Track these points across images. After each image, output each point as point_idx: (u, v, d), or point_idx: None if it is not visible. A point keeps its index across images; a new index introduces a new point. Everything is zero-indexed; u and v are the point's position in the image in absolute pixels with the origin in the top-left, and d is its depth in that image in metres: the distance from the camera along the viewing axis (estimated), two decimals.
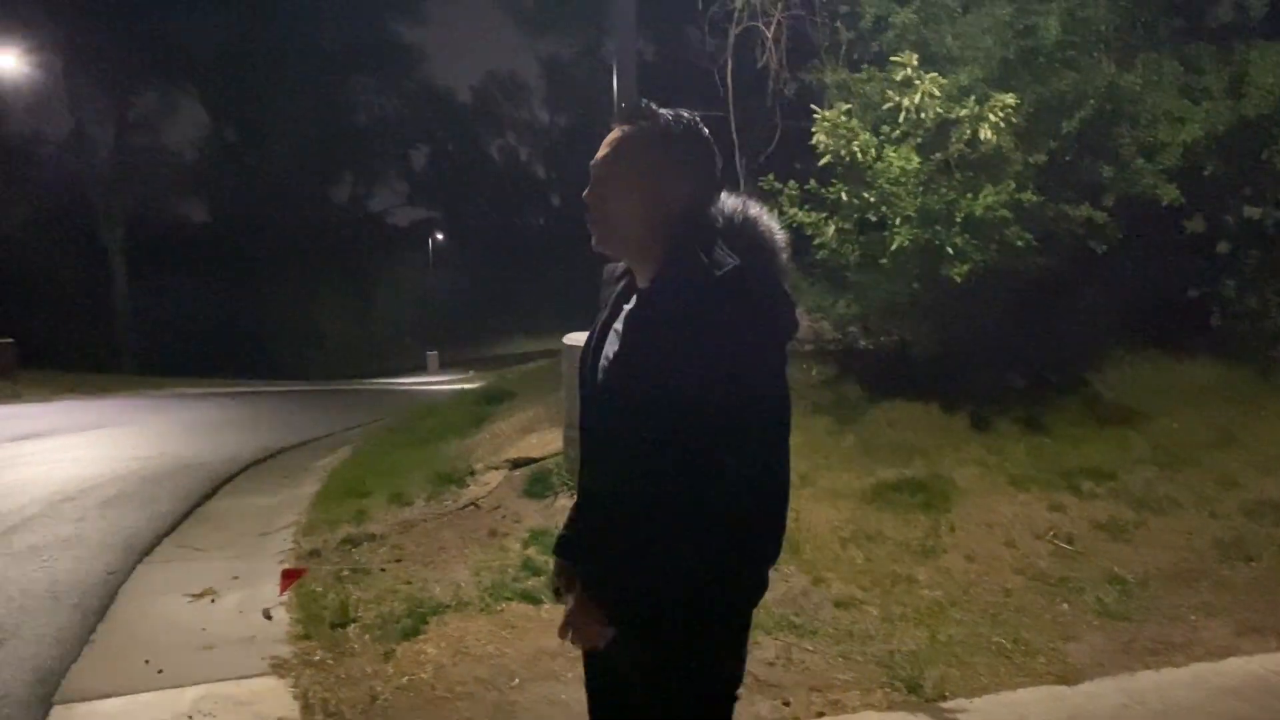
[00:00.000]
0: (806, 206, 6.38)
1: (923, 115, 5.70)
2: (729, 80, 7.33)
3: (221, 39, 35.04)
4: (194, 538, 5.76)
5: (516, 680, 3.53)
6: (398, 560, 4.82)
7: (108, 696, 3.59)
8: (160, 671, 3.78)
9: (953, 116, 5.71)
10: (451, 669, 3.66)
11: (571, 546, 1.82)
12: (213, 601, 4.62)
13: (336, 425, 11.65)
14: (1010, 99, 5.58)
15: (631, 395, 1.54)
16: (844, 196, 5.92)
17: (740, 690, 1.67)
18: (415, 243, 47.65)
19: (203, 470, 7.70)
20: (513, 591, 4.20)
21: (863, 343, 7.14)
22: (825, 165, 6.23)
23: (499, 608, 4.10)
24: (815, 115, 6.03)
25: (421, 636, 3.92)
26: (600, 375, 1.66)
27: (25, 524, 5.96)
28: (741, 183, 7.25)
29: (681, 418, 1.45)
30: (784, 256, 1.66)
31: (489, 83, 53.17)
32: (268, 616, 4.32)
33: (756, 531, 1.51)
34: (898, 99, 5.76)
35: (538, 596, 4.16)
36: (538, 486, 5.26)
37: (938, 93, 5.59)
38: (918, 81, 5.64)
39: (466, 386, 22.49)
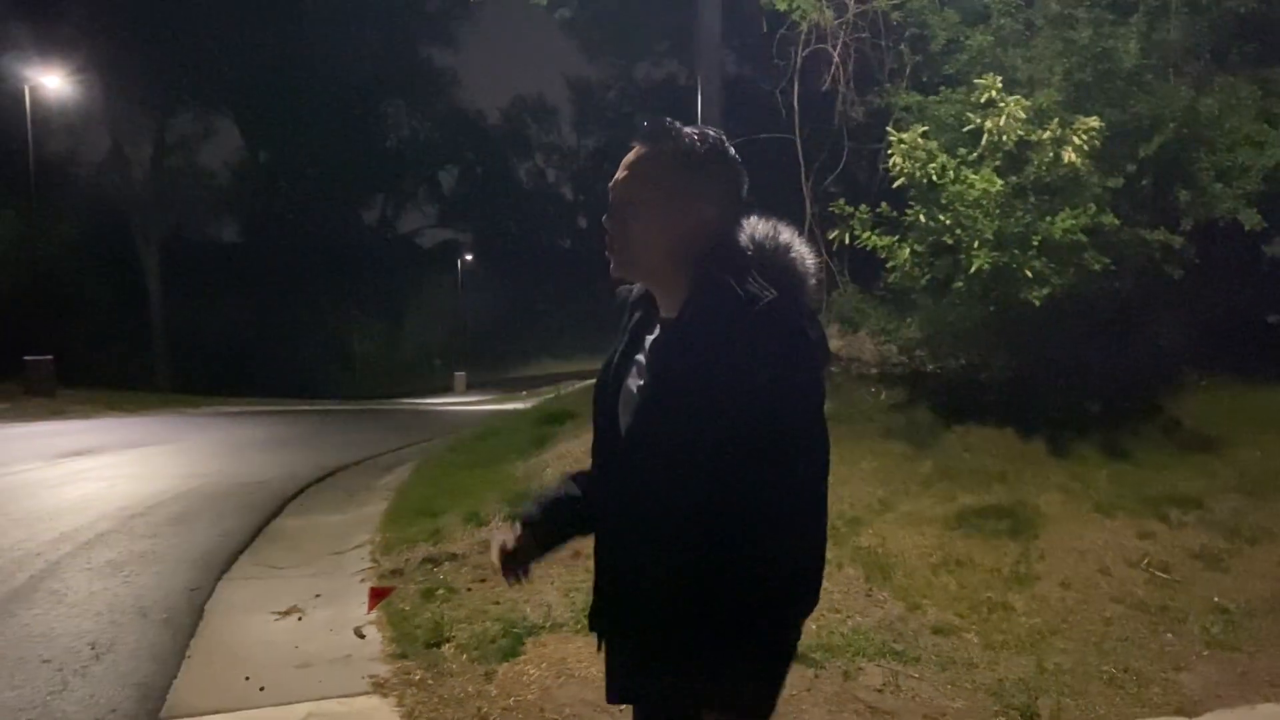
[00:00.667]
0: (878, 230, 6.36)
1: (1004, 138, 5.67)
2: (795, 103, 7.34)
3: (256, 62, 35.64)
4: (269, 555, 5.76)
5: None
6: (481, 580, 4.80)
7: (215, 713, 3.57)
8: (262, 689, 3.77)
9: (1034, 139, 5.68)
10: (556, 690, 3.61)
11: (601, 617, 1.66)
12: (299, 619, 4.61)
13: (385, 445, 11.67)
14: (1094, 122, 5.55)
15: (665, 435, 1.44)
16: (922, 219, 5.88)
17: None
18: (444, 264, 47.95)
19: (265, 489, 7.72)
20: None
21: (930, 366, 7.08)
22: (898, 188, 6.21)
23: None
24: (890, 138, 6.01)
25: (521, 657, 3.88)
26: (625, 410, 1.56)
27: (100, 539, 5.99)
28: (808, 206, 7.25)
29: (719, 456, 1.37)
30: (813, 283, 1.56)
31: (517, 105, 53.76)
32: (360, 635, 4.30)
33: (799, 585, 1.40)
34: (979, 121, 5.73)
35: None
36: None
37: (1022, 115, 5.56)
38: (1001, 104, 5.62)
39: (498, 407, 22.59)
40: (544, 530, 1.79)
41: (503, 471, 6.80)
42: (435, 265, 48.07)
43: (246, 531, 6.34)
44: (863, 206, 6.34)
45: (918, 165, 5.98)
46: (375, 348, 44.09)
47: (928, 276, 6.38)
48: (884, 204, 6.32)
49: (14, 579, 5.06)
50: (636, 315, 1.63)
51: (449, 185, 52.05)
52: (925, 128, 6.01)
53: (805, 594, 1.42)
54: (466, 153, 51.37)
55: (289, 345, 38.93)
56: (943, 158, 5.94)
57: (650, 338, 1.57)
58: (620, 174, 1.55)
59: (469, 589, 4.70)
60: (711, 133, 1.56)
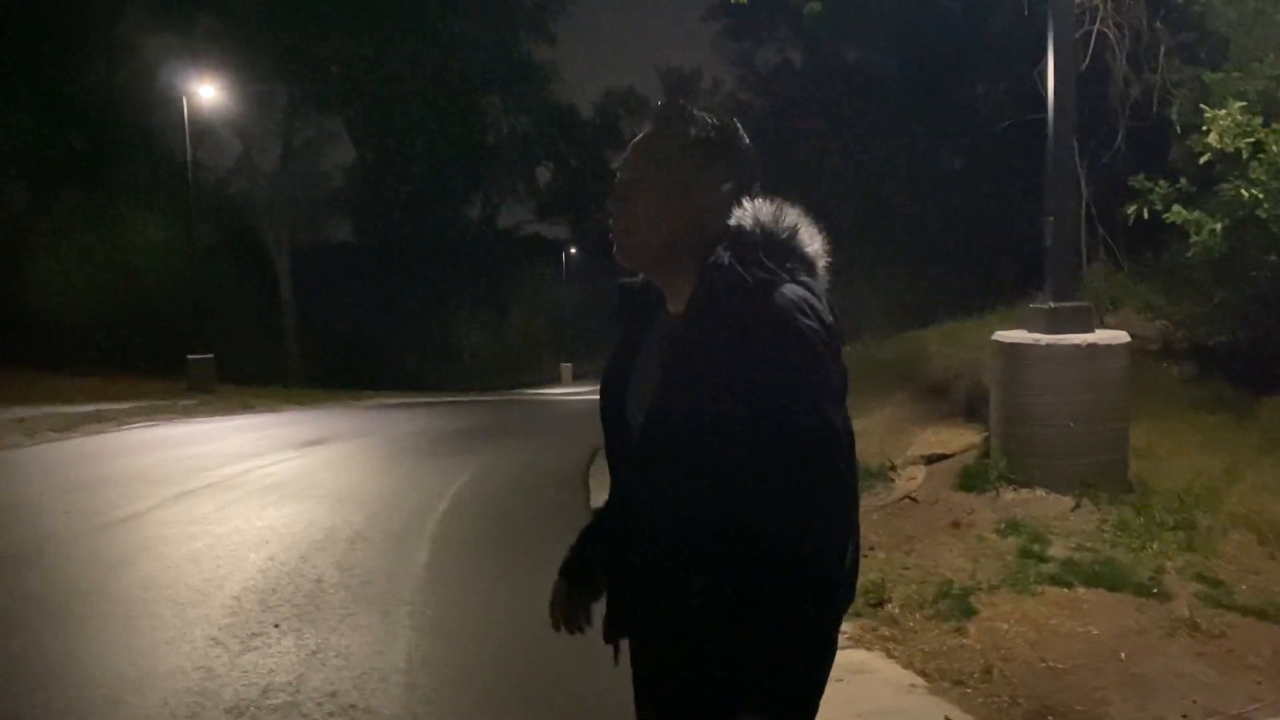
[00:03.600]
0: (1176, 206, 6.45)
1: None
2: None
3: (361, 64, 36.67)
4: None
5: (1123, 654, 3.72)
6: (870, 549, 5.06)
7: None
8: None
9: None
10: (1043, 644, 3.86)
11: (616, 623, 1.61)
12: None
13: (584, 432, 12.09)
14: None
15: (679, 430, 1.39)
16: (1244, 193, 5.97)
17: None
18: (545, 257, 48.74)
19: (557, 469, 8.18)
20: (1040, 575, 4.39)
21: (1214, 340, 7.14)
22: (1206, 163, 6.29)
23: (1038, 590, 4.29)
24: (1206, 114, 6.10)
25: (981, 615, 4.13)
26: (636, 408, 1.50)
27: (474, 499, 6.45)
28: (1082, 185, 7.36)
29: (733, 448, 1.33)
30: (822, 265, 1.50)
31: (609, 99, 54.16)
32: None
33: (825, 579, 1.34)
34: None
35: (1068, 580, 4.35)
36: (973, 481, 5.45)
37: None
38: None
39: None
40: (580, 573, 1.72)
41: None
42: (537, 258, 48.90)
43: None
44: (1162, 182, 6.44)
45: (1229, 140, 6.05)
46: (481, 340, 45.09)
47: (1223, 248, 6.44)
48: (1183, 180, 6.40)
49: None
50: (638, 310, 1.58)
51: (545, 179, 52.75)
52: (1242, 103, 6.08)
53: (831, 588, 1.35)
54: (561, 146, 52.09)
55: (399, 340, 40.09)
56: (1261, 132, 6.00)
57: (657, 332, 1.53)
58: (628, 155, 1.52)
59: (867, 554, 4.97)
60: (725, 119, 1.52)
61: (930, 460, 5.85)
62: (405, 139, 40.53)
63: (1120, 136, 7.58)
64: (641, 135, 1.52)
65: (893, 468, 5.83)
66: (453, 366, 42.95)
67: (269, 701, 3.64)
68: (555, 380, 42.36)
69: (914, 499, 5.45)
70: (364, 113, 39.51)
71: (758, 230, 1.44)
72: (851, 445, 1.41)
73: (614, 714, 2.02)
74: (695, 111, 1.51)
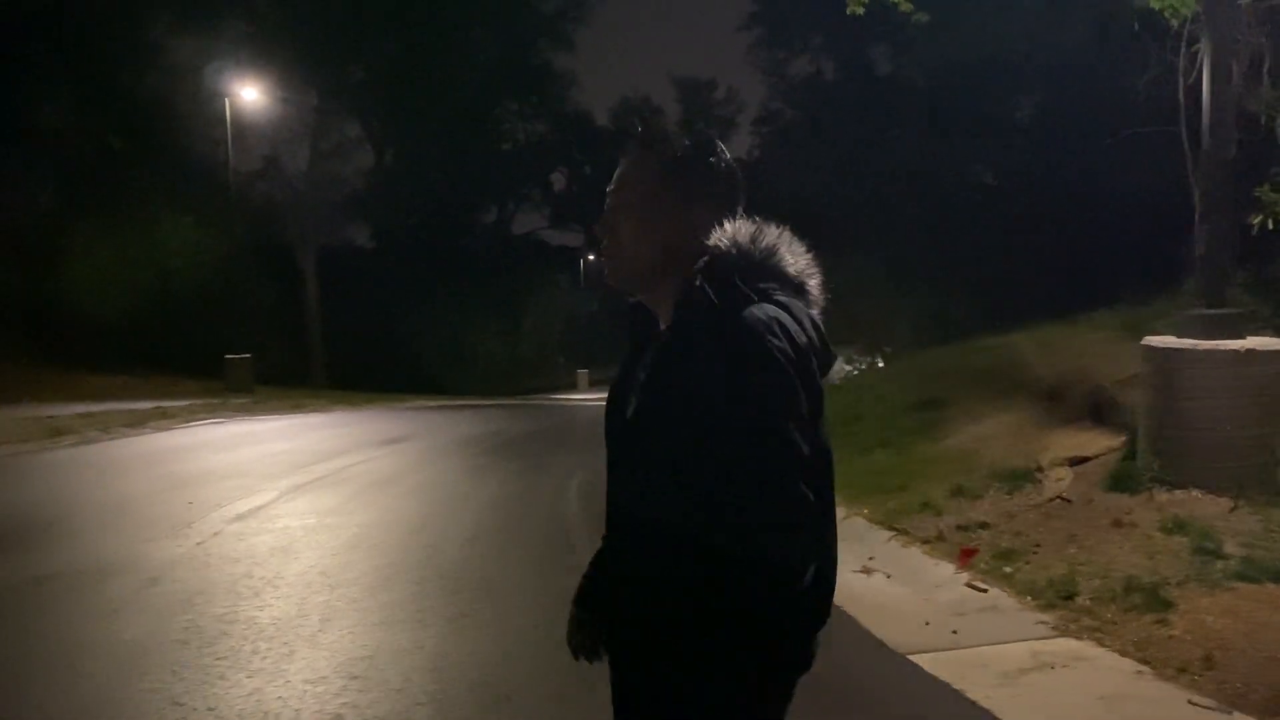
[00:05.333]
0: None
1: None
2: (1180, 96, 7.62)
3: (380, 69, 36.96)
4: None
5: None
6: (1036, 546, 5.19)
7: (936, 650, 4.04)
8: (955, 632, 4.23)
9: None
10: (1255, 636, 3.97)
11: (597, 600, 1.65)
12: (887, 577, 5.08)
13: None
14: None
15: (651, 450, 1.41)
16: None
17: None
18: (560, 264, 48.96)
19: None
20: (1227, 572, 4.52)
21: None
22: None
23: (1229, 585, 4.41)
24: None
25: (1180, 609, 4.25)
26: (624, 425, 1.50)
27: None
28: (1196, 199, 7.50)
29: (702, 466, 1.32)
30: (814, 284, 1.49)
31: (624, 107, 54.48)
32: (979, 589, 4.74)
33: (791, 598, 1.32)
34: None
35: (1255, 576, 4.47)
36: (1125, 482, 5.58)
37: None
38: None
39: None
40: (595, 600, 1.70)
41: (917, 452, 7.25)
42: (552, 265, 49.10)
43: None
44: None
45: None
46: (496, 346, 45.20)
47: None
48: None
49: None
50: (644, 325, 1.57)
51: (559, 186, 53.04)
52: None
53: (799, 607, 1.35)
54: (575, 154, 52.41)
55: (415, 344, 40.20)
56: None
57: (650, 348, 1.52)
58: (612, 183, 1.52)
59: (1035, 550, 5.10)
60: (704, 137, 1.52)
61: (1074, 463, 5.98)
62: (423, 145, 40.76)
63: (1233, 149, 7.74)
64: (623, 162, 1.53)
65: (1039, 469, 5.96)
66: (467, 371, 43.05)
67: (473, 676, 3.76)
68: (572, 386, 42.49)
69: (1066, 499, 5.58)
70: (383, 118, 39.76)
71: (734, 250, 1.43)
72: (828, 465, 1.42)
73: None
74: (672, 132, 1.52)
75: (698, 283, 1.39)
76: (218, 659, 4.05)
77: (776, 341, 1.32)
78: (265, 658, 4.03)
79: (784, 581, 1.30)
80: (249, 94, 23.29)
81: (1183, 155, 7.65)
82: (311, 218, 32.95)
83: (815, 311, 1.47)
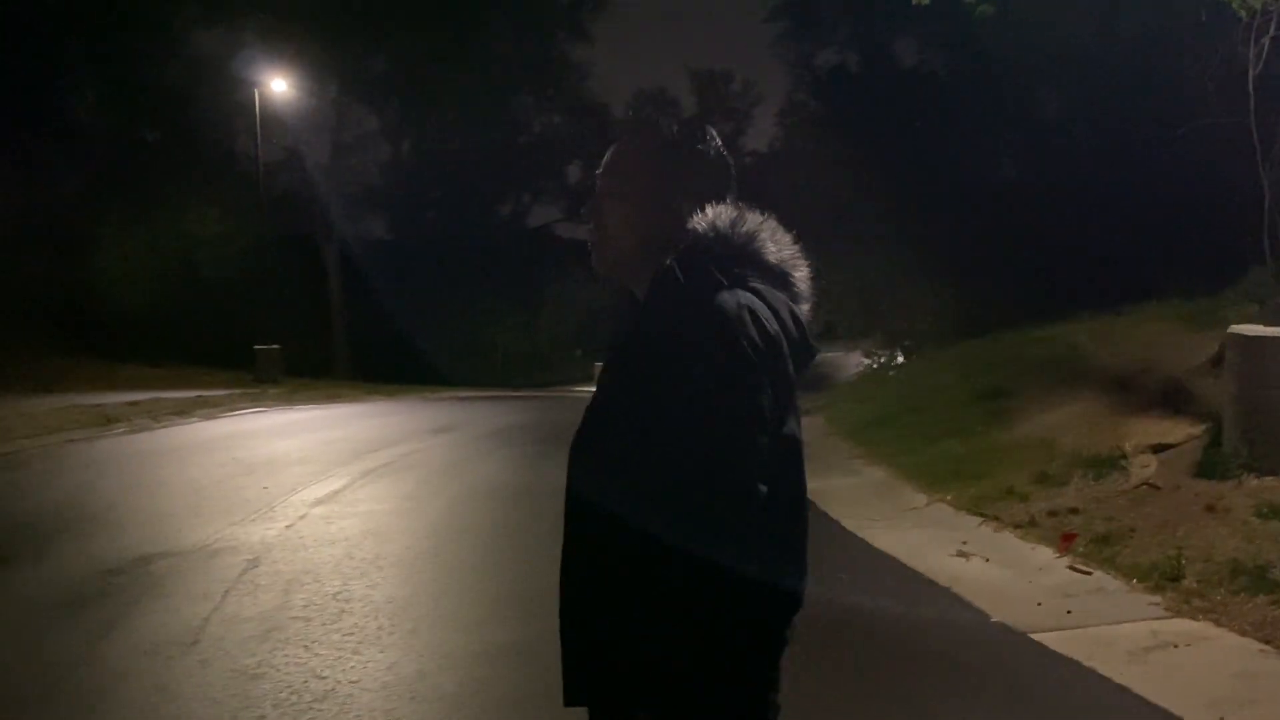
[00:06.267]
0: None
1: None
2: (1250, 88, 7.64)
3: (398, 61, 37.02)
4: (845, 511, 6.32)
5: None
6: (1132, 530, 5.23)
7: (1058, 630, 4.09)
8: (1069, 613, 4.28)
9: None
10: None
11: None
12: (986, 561, 5.13)
13: None
14: None
15: (605, 431, 1.40)
16: None
17: None
18: (576, 256, 48.96)
19: None
20: None
21: None
22: None
23: None
24: None
25: None
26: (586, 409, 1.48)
27: None
28: (1265, 188, 7.55)
29: (659, 454, 1.27)
30: (799, 276, 1.44)
31: (639, 99, 54.45)
32: (1083, 571, 4.79)
33: (747, 583, 1.27)
34: None
35: None
36: (1213, 469, 5.62)
37: None
38: None
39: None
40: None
41: (989, 441, 7.32)
42: (567, 257, 49.14)
43: None
44: None
45: None
46: (514, 338, 45.32)
47: None
48: None
49: None
50: (629, 317, 1.53)
51: (574, 178, 53.05)
52: None
53: (759, 594, 1.30)
54: (590, 146, 52.43)
55: (433, 336, 40.33)
56: None
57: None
58: (600, 169, 1.51)
59: (1131, 535, 5.14)
60: (693, 125, 1.50)
61: (1156, 450, 6.02)
62: (440, 137, 40.84)
63: None
64: (613, 146, 1.51)
65: (1123, 456, 6.01)
66: (483, 364, 43.18)
67: None
68: (589, 379, 42.58)
69: (1154, 485, 5.62)
70: (400, 110, 39.84)
71: (711, 234, 1.39)
72: (797, 454, 1.38)
73: None
74: (660, 119, 1.57)
75: (668, 262, 1.36)
76: (345, 635, 4.13)
77: (746, 330, 1.27)
78: (392, 634, 4.10)
79: (743, 564, 1.24)
80: (278, 85, 23.24)
81: (1249, 148, 7.71)
82: (334, 210, 33.06)
83: (804, 306, 1.43)
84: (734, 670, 1.30)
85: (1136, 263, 14.82)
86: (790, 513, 1.38)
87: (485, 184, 45.87)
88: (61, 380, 17.18)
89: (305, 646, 3.98)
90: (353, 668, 3.74)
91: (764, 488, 1.26)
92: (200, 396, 14.78)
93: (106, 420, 11.50)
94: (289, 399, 16.15)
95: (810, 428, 10.53)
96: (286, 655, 3.89)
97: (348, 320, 34.47)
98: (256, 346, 22.03)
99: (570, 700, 1.42)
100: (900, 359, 22.54)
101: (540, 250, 48.39)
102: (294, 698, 3.46)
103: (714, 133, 1.49)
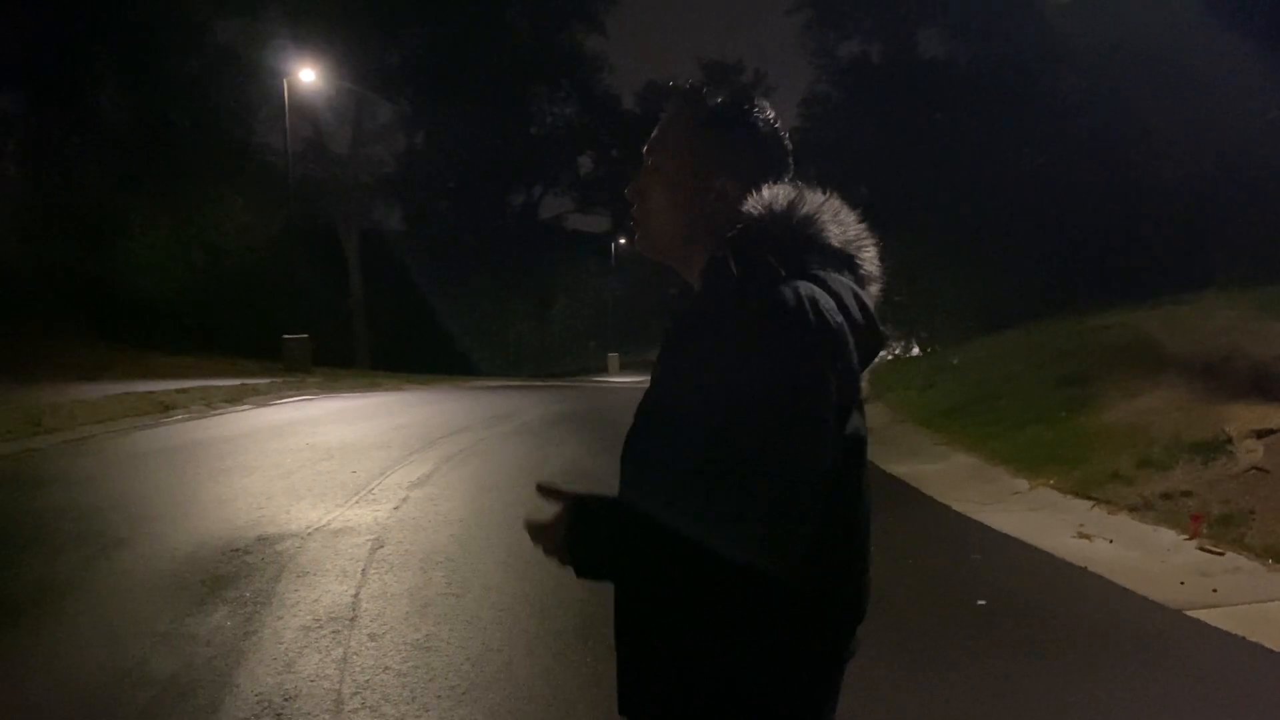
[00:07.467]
0: None
1: None
2: None
3: (413, 52, 37.04)
4: (951, 495, 6.36)
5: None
6: (1251, 512, 5.27)
7: (1211, 607, 4.13)
8: (1215, 591, 4.32)
9: None
10: None
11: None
12: (1110, 542, 5.16)
13: None
14: None
15: (655, 424, 1.30)
16: None
17: None
18: (590, 249, 49.12)
19: None
20: None
21: None
22: None
23: None
24: None
25: None
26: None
27: None
28: None
29: (716, 447, 1.15)
30: (867, 257, 1.33)
31: (651, 90, 54.35)
32: (1214, 552, 4.83)
33: (800, 588, 1.19)
34: None
35: None
36: None
37: None
38: None
39: None
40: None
41: (1076, 427, 7.36)
42: (581, 248, 49.23)
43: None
44: None
45: None
46: (528, 329, 45.37)
47: None
48: None
49: None
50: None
51: (587, 169, 53.07)
52: None
53: (820, 606, 1.23)
54: (603, 137, 52.37)
55: (448, 326, 40.39)
56: None
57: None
58: (646, 145, 1.40)
59: (1252, 516, 5.18)
60: (741, 95, 1.37)
61: (1260, 435, 6.06)
62: (454, 128, 40.79)
63: None
64: (661, 119, 1.39)
65: (1229, 440, 6.04)
66: (499, 354, 43.22)
67: None
68: (603, 369, 42.75)
69: (1263, 469, 5.67)
70: (415, 101, 39.82)
71: (768, 218, 1.27)
72: (861, 452, 1.25)
73: None
74: (706, 90, 1.38)
75: (720, 253, 1.25)
76: (500, 611, 4.17)
77: (805, 327, 1.15)
78: (556, 611, 4.13)
79: (794, 568, 1.15)
80: (306, 75, 23.22)
81: None
82: (354, 200, 33.07)
83: (873, 289, 1.33)
84: (794, 686, 1.23)
85: (1174, 252, 14.82)
86: (850, 518, 1.26)
87: (498, 174, 45.81)
88: (100, 369, 17.20)
89: (467, 622, 4.02)
90: (525, 643, 3.78)
91: (808, 498, 1.15)
92: (245, 384, 14.81)
93: (164, 408, 11.53)
94: (330, 387, 16.20)
95: (874, 414, 10.60)
96: (451, 629, 3.93)
97: (366, 310, 34.54)
98: (285, 336, 22.00)
99: (625, 710, 1.34)
100: (916, 352, 22.53)
101: (553, 241, 48.44)
102: (474, 671, 3.51)
103: (766, 104, 1.36)
